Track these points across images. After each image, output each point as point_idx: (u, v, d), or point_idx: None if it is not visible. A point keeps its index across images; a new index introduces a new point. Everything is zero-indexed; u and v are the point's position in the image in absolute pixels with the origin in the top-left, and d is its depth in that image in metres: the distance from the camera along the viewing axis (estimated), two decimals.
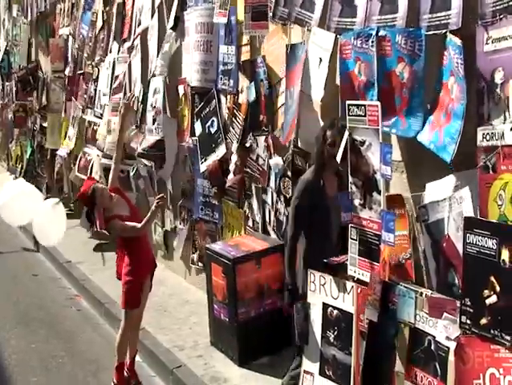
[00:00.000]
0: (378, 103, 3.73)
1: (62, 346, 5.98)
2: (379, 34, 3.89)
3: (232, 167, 5.70)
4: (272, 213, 5.37)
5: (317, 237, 4.30)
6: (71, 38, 10.34)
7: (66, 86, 10.58)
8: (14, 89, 13.16)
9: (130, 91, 7.72)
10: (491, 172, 3.19)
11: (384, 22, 3.92)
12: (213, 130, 5.97)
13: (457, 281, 3.54)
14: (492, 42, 3.22)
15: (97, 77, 8.81)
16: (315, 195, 4.26)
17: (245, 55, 5.56)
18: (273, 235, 5.40)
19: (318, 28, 4.48)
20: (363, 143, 3.87)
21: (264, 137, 5.33)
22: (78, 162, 9.16)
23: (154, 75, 6.82)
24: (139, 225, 4.94)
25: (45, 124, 11.49)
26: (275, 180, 5.25)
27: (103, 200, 4.93)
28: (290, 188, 5.07)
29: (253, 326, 5.05)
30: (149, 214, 4.91)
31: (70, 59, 10.45)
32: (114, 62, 8.11)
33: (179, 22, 6.45)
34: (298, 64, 4.70)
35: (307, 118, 4.74)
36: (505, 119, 3.12)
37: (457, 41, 3.31)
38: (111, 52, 8.35)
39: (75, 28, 9.98)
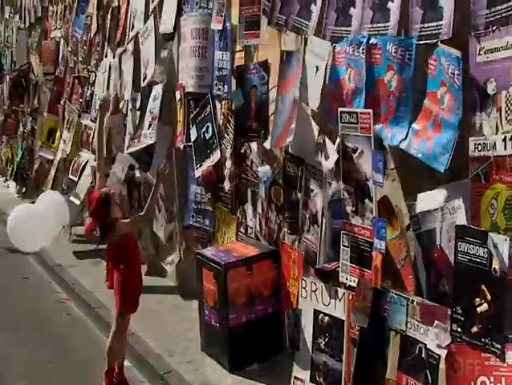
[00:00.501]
0: (370, 111, 3.75)
1: (52, 350, 5.95)
2: (370, 41, 3.92)
3: (227, 173, 5.72)
4: (263, 222, 5.38)
5: None
6: (62, 40, 10.33)
7: (53, 87, 10.56)
8: (7, 91, 13.15)
9: (120, 94, 7.74)
10: (483, 181, 3.22)
11: (376, 30, 3.95)
12: (207, 135, 5.98)
13: (447, 292, 3.53)
14: (484, 53, 3.25)
15: (94, 81, 8.81)
16: None
17: (239, 61, 5.58)
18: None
19: (314, 37, 4.51)
20: (355, 150, 3.90)
21: (256, 144, 5.35)
22: (72, 165, 9.16)
23: (156, 82, 6.81)
24: (142, 213, 5.01)
25: (36, 127, 11.47)
26: (264, 189, 5.26)
27: (114, 205, 4.93)
28: (282, 195, 5.08)
29: (245, 331, 5.03)
30: (153, 190, 4.91)
31: (61, 62, 10.44)
32: (110, 66, 8.12)
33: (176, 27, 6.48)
34: (293, 72, 4.72)
35: (301, 125, 4.73)
36: (497, 130, 3.15)
37: (455, 52, 3.33)
38: (106, 56, 8.35)
39: (68, 31, 9.98)
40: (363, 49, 3.95)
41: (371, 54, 3.91)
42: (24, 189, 12.32)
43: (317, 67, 4.47)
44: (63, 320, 6.76)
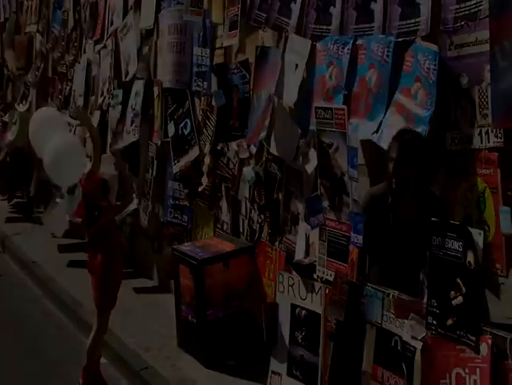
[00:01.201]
0: (345, 107, 3.79)
1: (27, 348, 5.88)
2: (357, 42, 3.99)
3: (205, 169, 5.71)
4: (246, 222, 5.37)
5: (384, 264, 3.81)
6: (38, 35, 10.23)
7: (39, 87, 10.42)
8: None
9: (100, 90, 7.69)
10: (459, 174, 3.27)
11: (362, 31, 4.01)
12: (186, 131, 5.97)
13: (423, 278, 3.55)
14: (455, 48, 3.30)
15: (72, 77, 8.73)
16: (382, 213, 3.68)
17: (218, 59, 5.58)
18: None
19: (295, 34, 4.53)
20: (330, 145, 3.93)
21: (235, 142, 5.35)
22: None
23: (138, 78, 6.78)
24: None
25: (6, 120, 11.31)
26: (249, 189, 5.27)
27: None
28: (264, 195, 5.09)
29: (222, 327, 5.03)
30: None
31: (36, 57, 10.33)
32: (89, 62, 8.06)
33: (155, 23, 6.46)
34: (270, 68, 4.73)
35: (282, 124, 4.73)
36: (472, 124, 3.20)
37: (433, 47, 3.37)
38: (85, 52, 8.30)
39: (44, 26, 9.88)
40: (348, 49, 4.00)
41: (356, 54, 3.99)
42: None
43: (296, 65, 4.49)
44: (38, 317, 6.68)
